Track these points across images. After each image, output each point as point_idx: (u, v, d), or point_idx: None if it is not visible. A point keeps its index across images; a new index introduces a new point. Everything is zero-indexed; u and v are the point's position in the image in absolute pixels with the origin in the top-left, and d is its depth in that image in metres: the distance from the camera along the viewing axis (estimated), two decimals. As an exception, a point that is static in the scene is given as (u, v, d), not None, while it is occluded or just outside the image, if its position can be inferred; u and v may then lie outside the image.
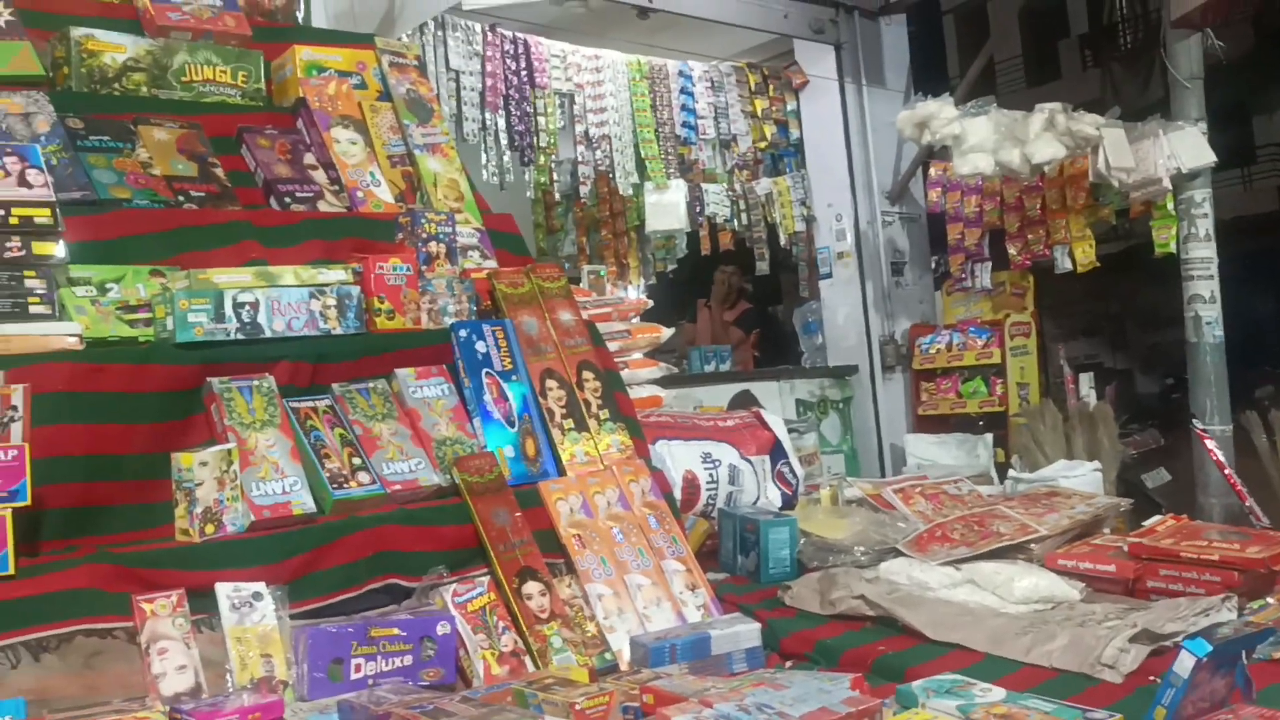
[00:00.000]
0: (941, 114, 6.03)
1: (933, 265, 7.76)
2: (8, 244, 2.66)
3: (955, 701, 2.13)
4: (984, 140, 5.94)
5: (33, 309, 2.69)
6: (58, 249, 2.77)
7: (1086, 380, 6.80)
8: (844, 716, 2.07)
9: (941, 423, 7.17)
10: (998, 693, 2.17)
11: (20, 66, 3.25)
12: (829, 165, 7.56)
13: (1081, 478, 4.68)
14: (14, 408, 2.39)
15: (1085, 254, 6.75)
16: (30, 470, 2.43)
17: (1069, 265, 6.86)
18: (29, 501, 2.41)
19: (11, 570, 2.37)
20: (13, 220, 2.70)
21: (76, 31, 3.38)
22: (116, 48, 3.44)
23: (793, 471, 4.30)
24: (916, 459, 6.68)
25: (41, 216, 2.76)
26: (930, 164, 7.30)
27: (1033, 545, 3.39)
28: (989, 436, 6.73)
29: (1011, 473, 5.27)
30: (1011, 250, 7.00)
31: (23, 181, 2.80)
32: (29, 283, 2.69)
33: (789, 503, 4.17)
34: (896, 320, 7.46)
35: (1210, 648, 1.98)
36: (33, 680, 2.32)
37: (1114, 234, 9.32)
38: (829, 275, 7.54)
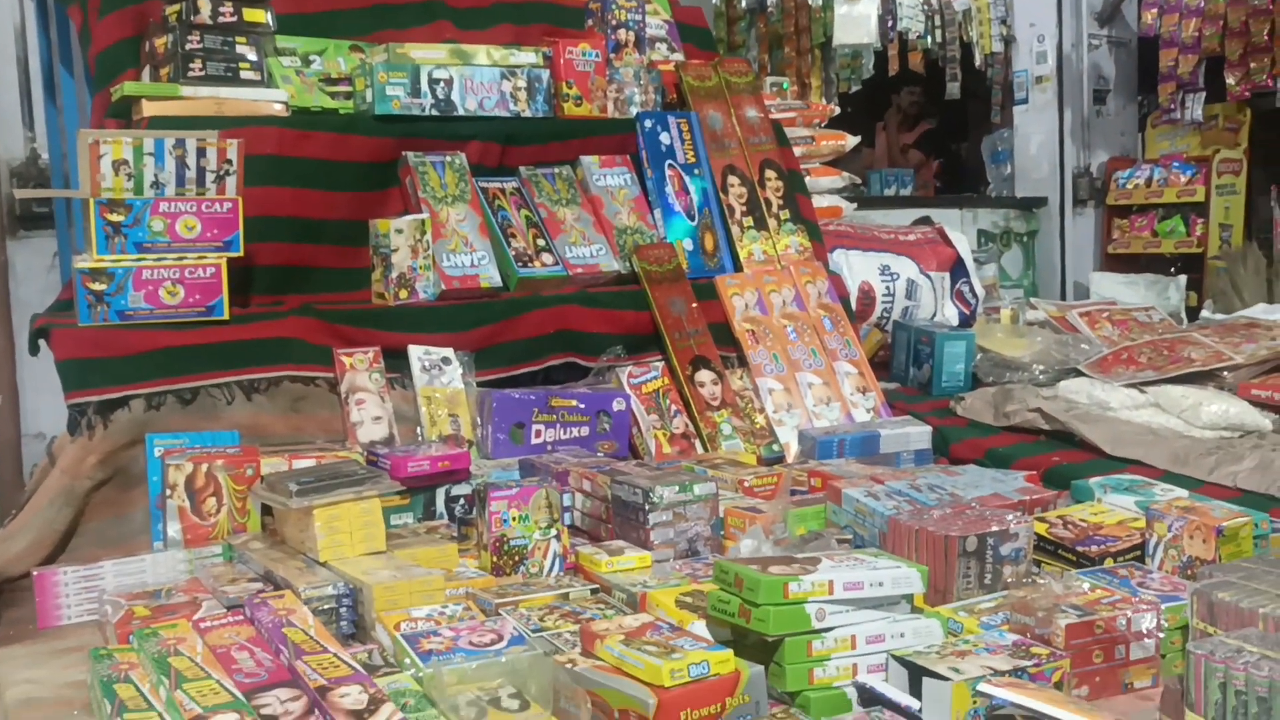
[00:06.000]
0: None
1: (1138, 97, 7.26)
2: (221, 7, 2.76)
3: (1134, 498, 2.10)
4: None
5: (244, 74, 2.80)
6: (267, 17, 2.86)
7: (1298, 223, 6.33)
8: (1018, 503, 2.06)
9: (1132, 263, 6.81)
10: (1179, 492, 2.12)
11: None
12: (1034, -20, 7.07)
13: (1281, 322, 4.41)
14: (229, 161, 2.51)
15: (1315, 86, 6.19)
16: (243, 225, 2.57)
17: (1293, 98, 6.31)
18: (241, 252, 2.56)
19: (226, 315, 2.54)
20: (226, -15, 2.79)
21: None
22: None
23: (973, 291, 4.19)
24: (1102, 299, 6.41)
25: (251, -17, 2.84)
26: (1150, -18, 6.74)
27: (1225, 373, 3.24)
28: (1182, 279, 6.36)
29: (1204, 314, 5.01)
30: (1230, 80, 6.46)
31: (234, -49, 2.88)
32: (240, 49, 2.79)
33: (966, 322, 4.09)
34: (1094, 152, 7.05)
35: None
36: (246, 417, 2.52)
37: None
38: (1025, 101, 7.13)
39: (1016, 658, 1.57)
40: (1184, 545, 1.89)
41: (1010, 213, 6.86)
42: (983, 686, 1.41)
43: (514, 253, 3.01)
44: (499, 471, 2.50)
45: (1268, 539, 1.96)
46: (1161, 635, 1.69)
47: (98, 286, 2.40)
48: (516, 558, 2.09)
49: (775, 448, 3.01)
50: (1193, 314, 5.95)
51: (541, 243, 3.08)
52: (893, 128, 8.17)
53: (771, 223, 3.43)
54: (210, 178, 2.50)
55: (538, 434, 2.71)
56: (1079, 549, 1.98)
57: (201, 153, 2.48)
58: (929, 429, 2.98)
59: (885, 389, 3.40)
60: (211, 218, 2.51)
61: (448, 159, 3.01)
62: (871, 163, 7.92)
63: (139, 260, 2.43)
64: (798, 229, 3.47)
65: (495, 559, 2.08)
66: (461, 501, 2.33)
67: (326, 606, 1.83)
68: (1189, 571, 1.88)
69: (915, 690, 1.53)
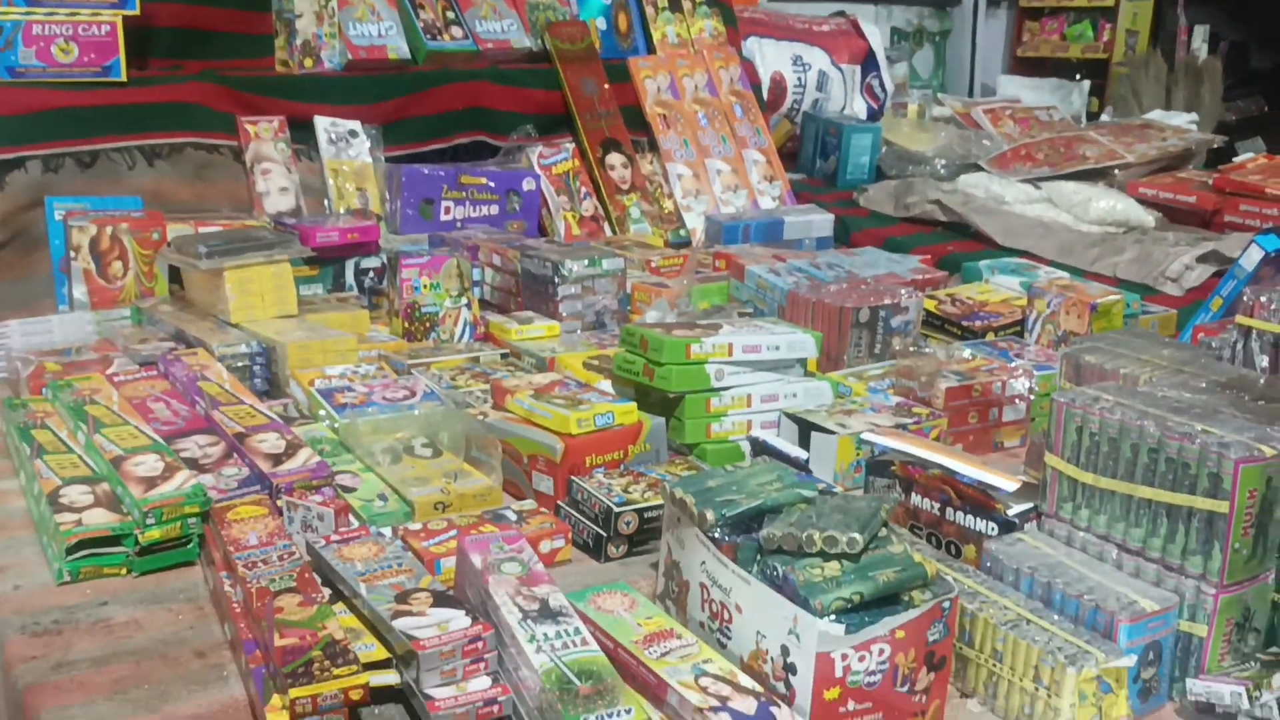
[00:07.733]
0: None
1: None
2: None
3: (1019, 279, 2.21)
4: None
5: None
6: None
7: (1201, 32, 6.43)
8: (911, 281, 2.16)
9: (1039, 66, 6.88)
10: (1061, 274, 2.24)
11: None
12: None
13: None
14: (121, -89, 2.38)
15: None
16: (137, -20, 2.46)
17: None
18: (138, 10, 2.45)
19: (124, 78, 2.45)
20: None
21: None
22: None
23: (882, 85, 4.22)
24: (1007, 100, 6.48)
25: None
26: None
27: (1116, 171, 3.36)
28: (1086, 84, 6.45)
29: (1103, 119, 5.12)
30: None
31: None
32: None
33: (874, 116, 4.13)
34: (1011, -51, 7.01)
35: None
36: (148, 183, 2.47)
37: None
38: (946, -106, 7.00)
39: (899, 416, 1.69)
40: (1060, 320, 2.02)
41: (924, 10, 6.81)
42: (865, 435, 1.53)
43: (422, 24, 2.94)
44: (407, 246, 2.51)
45: (1137, 318, 2.10)
46: (1032, 399, 1.83)
47: (-16, 40, 2.30)
48: (427, 324, 2.13)
49: (682, 233, 3.07)
50: (1093, 119, 6.07)
51: (451, 15, 3.00)
52: None
53: (686, 5, 3.38)
54: (100, -73, 2.37)
55: (447, 211, 2.72)
56: (964, 323, 2.10)
57: (89, -101, 2.34)
58: (831, 217, 3.06)
59: (792, 179, 3.45)
60: (103, -29, 2.39)
61: (353, -79, 2.89)
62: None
63: (28, 14, 2.32)
64: (712, 13, 3.43)
65: (406, 325, 2.12)
66: (371, 274, 2.35)
67: (240, 364, 1.87)
68: (1063, 345, 2.01)
69: (804, 444, 1.64)
